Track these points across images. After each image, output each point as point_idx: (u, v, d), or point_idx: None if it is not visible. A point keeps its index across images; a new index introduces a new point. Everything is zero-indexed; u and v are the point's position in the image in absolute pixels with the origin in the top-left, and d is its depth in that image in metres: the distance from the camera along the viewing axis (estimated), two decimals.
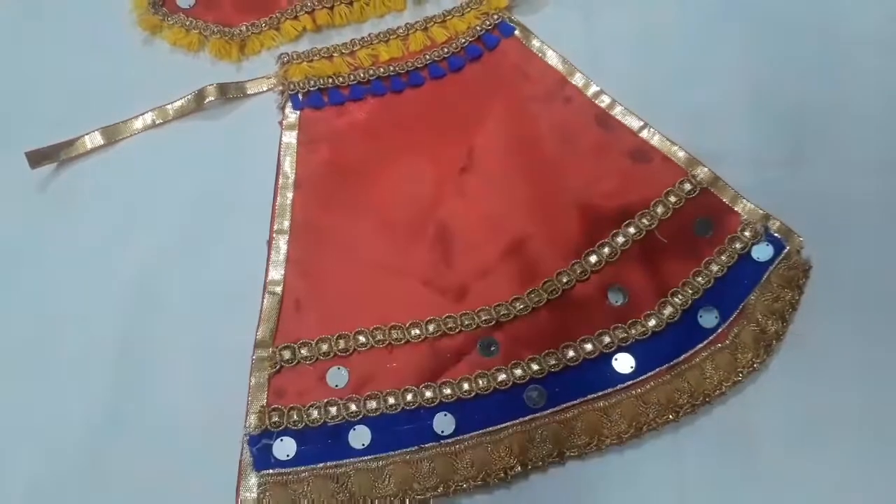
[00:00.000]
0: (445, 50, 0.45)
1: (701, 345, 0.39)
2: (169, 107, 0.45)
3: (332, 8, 0.46)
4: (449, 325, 0.40)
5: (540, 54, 0.44)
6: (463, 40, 0.45)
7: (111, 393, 0.40)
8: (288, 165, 0.43)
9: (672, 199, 0.41)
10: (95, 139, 0.45)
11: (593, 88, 0.44)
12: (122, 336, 0.41)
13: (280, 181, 0.43)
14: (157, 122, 0.45)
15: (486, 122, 0.44)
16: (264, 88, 0.46)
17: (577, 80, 0.44)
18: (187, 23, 0.46)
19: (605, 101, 0.43)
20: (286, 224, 0.42)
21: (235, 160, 0.44)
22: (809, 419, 0.39)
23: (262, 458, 0.38)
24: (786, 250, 0.40)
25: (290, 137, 0.44)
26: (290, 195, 0.43)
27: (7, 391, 0.41)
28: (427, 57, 0.45)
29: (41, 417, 0.40)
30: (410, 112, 0.44)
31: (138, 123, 0.45)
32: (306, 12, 0.46)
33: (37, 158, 0.43)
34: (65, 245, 0.43)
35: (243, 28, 0.46)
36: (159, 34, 0.47)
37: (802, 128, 0.43)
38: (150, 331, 0.41)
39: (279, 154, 0.44)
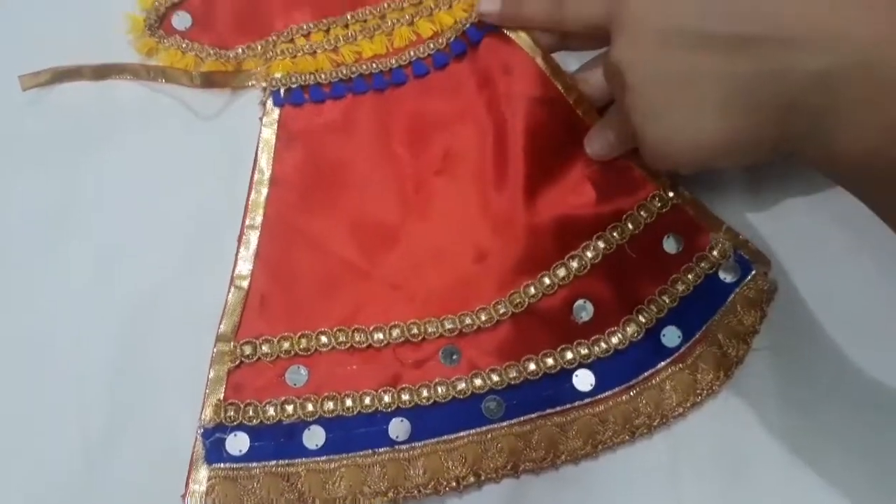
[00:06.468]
0: (431, 46, 0.44)
1: (662, 364, 0.39)
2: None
3: (327, 31, 0.46)
4: (413, 332, 0.40)
5: (526, 49, 0.42)
6: (449, 35, 0.44)
7: (106, 413, 0.40)
8: (264, 161, 0.43)
9: (643, 213, 0.41)
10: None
11: (575, 94, 0.42)
12: (116, 355, 0.41)
13: (255, 177, 0.43)
14: (144, 77, 0.46)
15: (463, 124, 0.43)
16: (249, 83, 0.46)
17: (560, 82, 0.42)
18: (183, 45, 0.46)
19: (584, 107, 0.42)
20: (258, 220, 0.42)
21: (227, 171, 0.44)
22: (805, 439, 0.39)
23: (214, 451, 0.38)
24: (752, 272, 0.40)
25: (269, 133, 0.44)
26: (264, 191, 0.43)
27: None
28: (411, 53, 0.44)
29: (35, 438, 0.40)
30: (390, 113, 0.44)
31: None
32: (302, 35, 0.46)
33: (30, 82, 0.45)
34: (55, 263, 0.43)
35: (239, 51, 0.46)
36: (155, 56, 0.46)
37: None
38: (145, 350, 0.41)
39: (257, 149, 0.44)
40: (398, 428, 0.39)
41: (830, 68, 0.29)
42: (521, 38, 0.42)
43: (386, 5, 0.46)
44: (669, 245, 0.41)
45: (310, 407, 0.39)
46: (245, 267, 0.41)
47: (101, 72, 0.46)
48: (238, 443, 0.38)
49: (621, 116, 0.37)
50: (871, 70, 0.28)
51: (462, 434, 0.38)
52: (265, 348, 0.40)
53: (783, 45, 0.30)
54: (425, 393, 0.39)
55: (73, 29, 0.47)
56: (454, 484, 0.38)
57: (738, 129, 0.33)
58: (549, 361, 0.39)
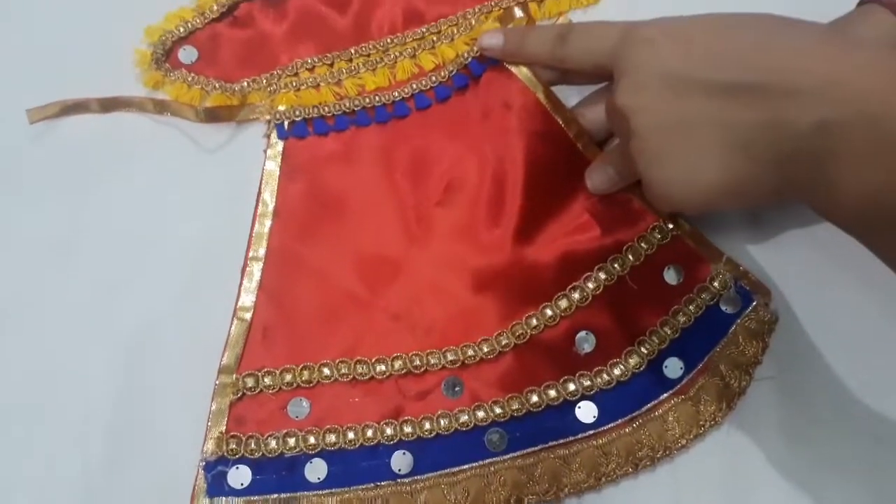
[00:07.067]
0: (433, 79, 0.45)
1: (664, 395, 0.39)
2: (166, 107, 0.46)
3: (331, 65, 0.47)
4: (415, 364, 0.40)
5: (527, 83, 0.43)
6: (451, 68, 0.45)
7: (107, 444, 0.40)
8: (268, 194, 0.44)
9: (644, 244, 0.41)
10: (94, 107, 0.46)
11: (576, 128, 0.43)
12: (118, 386, 0.41)
13: (259, 209, 0.43)
14: (150, 111, 0.46)
15: (465, 156, 0.44)
16: (253, 116, 0.46)
17: (561, 116, 0.43)
18: (189, 78, 0.47)
19: (584, 141, 0.43)
20: (261, 251, 0.42)
21: (231, 203, 0.44)
22: (807, 469, 0.39)
23: (215, 484, 0.38)
24: (753, 304, 0.40)
25: (273, 166, 0.44)
26: (267, 223, 0.43)
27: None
28: (414, 86, 0.45)
29: (36, 469, 0.40)
30: (392, 144, 0.44)
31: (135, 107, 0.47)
32: (306, 69, 0.47)
33: (37, 115, 0.45)
34: (59, 294, 0.43)
35: (244, 84, 0.47)
36: (161, 89, 0.47)
37: None
38: (147, 381, 0.41)
39: (260, 182, 0.44)
40: (401, 461, 0.38)
41: (830, 117, 0.30)
42: (522, 73, 0.43)
43: (389, 39, 0.47)
44: (670, 276, 0.41)
45: (312, 440, 0.39)
46: (248, 299, 0.41)
47: (108, 105, 0.47)
48: (240, 476, 0.38)
49: (623, 154, 0.38)
50: (870, 120, 0.29)
51: (465, 467, 0.38)
52: (267, 380, 0.40)
53: (784, 94, 0.31)
54: (428, 425, 0.39)
55: (80, 62, 0.48)
56: None
57: (741, 174, 0.33)
58: (552, 393, 0.39)
